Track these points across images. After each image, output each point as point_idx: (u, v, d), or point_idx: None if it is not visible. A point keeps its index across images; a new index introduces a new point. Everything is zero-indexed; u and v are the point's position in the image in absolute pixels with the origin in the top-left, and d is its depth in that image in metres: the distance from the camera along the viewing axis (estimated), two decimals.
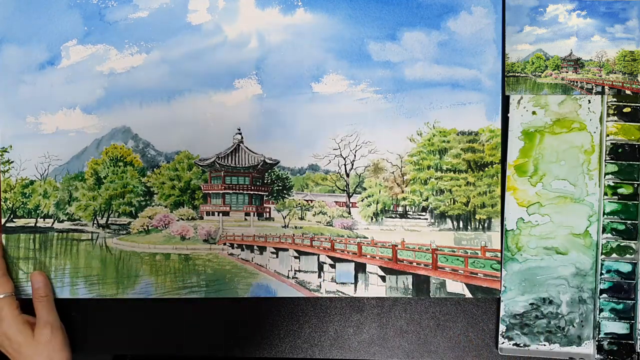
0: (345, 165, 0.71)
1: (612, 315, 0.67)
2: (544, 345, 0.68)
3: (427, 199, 0.71)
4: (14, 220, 0.71)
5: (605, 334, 0.67)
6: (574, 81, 0.70)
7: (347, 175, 0.71)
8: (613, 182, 0.68)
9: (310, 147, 0.70)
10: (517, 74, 0.70)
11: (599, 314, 0.68)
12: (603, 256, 0.68)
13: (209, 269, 0.71)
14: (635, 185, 0.68)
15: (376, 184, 0.71)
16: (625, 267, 0.68)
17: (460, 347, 0.70)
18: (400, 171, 0.71)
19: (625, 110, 0.69)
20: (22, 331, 0.64)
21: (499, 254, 0.68)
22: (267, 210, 0.74)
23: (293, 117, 0.70)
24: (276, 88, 0.70)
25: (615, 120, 0.69)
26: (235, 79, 0.70)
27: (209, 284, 0.70)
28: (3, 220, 0.71)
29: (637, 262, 0.68)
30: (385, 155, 0.71)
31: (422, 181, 0.71)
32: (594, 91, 0.70)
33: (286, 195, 0.73)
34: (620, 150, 0.68)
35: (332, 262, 0.71)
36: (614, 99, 0.69)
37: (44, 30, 0.70)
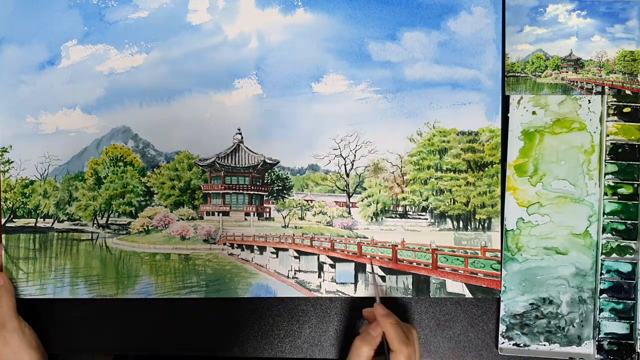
0: (345, 165, 0.71)
1: (612, 315, 0.67)
2: (544, 345, 0.68)
3: (427, 199, 0.71)
4: (14, 220, 0.71)
5: (605, 334, 0.67)
6: (574, 81, 0.70)
7: (347, 175, 0.71)
8: (613, 182, 0.68)
9: (310, 147, 0.70)
10: (517, 74, 0.70)
11: (599, 314, 0.68)
12: (603, 256, 0.68)
13: (209, 269, 0.71)
14: (635, 185, 0.68)
15: (376, 184, 0.71)
16: (625, 267, 0.68)
17: (460, 347, 0.70)
18: (400, 171, 0.71)
19: (625, 110, 0.69)
20: None
21: (499, 254, 0.68)
22: (267, 210, 0.74)
23: (293, 117, 0.70)
24: (276, 88, 0.70)
25: (615, 120, 0.69)
26: (235, 79, 0.70)
27: (209, 284, 0.70)
28: (3, 220, 0.71)
29: (637, 262, 0.67)
30: (385, 155, 0.71)
31: (422, 181, 0.71)
32: (594, 91, 0.70)
33: (286, 195, 0.73)
34: (620, 150, 0.68)
35: (332, 262, 0.71)
36: (614, 99, 0.69)
37: (44, 30, 0.70)
